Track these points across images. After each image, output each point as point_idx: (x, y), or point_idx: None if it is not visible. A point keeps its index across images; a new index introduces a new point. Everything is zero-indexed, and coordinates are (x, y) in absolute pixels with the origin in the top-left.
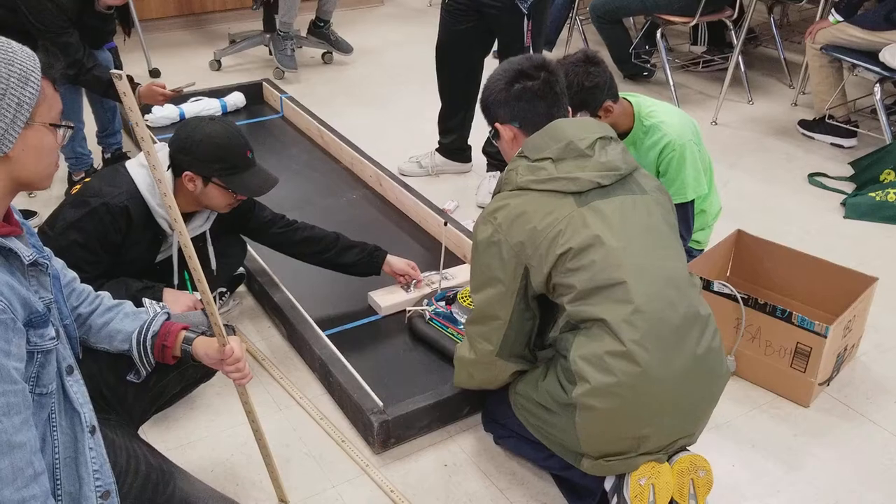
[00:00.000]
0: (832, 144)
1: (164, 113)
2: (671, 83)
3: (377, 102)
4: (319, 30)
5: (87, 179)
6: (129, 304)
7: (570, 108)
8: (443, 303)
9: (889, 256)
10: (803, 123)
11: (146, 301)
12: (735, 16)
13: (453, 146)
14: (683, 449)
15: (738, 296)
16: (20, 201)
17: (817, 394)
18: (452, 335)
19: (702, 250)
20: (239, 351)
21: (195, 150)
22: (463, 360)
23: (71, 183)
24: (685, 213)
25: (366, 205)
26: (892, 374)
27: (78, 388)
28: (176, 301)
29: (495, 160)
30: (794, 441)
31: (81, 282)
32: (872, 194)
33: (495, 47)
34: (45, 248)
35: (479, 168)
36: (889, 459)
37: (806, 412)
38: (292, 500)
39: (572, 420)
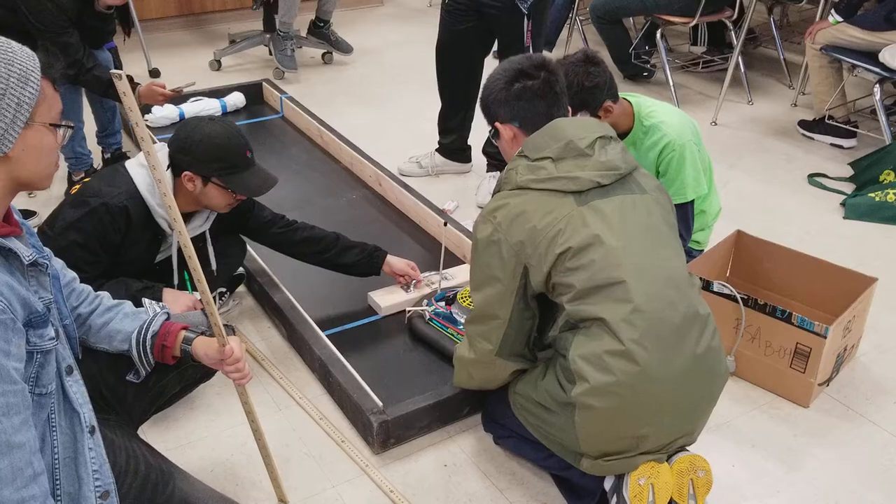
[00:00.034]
0: (832, 145)
1: (164, 113)
2: (671, 83)
3: (377, 102)
4: (319, 30)
5: (87, 179)
6: (128, 304)
7: (569, 108)
8: (442, 303)
9: (888, 257)
10: (803, 124)
11: (146, 301)
12: (735, 16)
13: (453, 146)
14: (683, 449)
15: (738, 296)
16: (20, 201)
17: (817, 394)
18: (452, 335)
19: (701, 251)
20: (239, 351)
21: (194, 149)
22: (462, 360)
23: (71, 183)
24: (685, 214)
25: (365, 205)
26: (892, 375)
27: (77, 389)
28: (175, 301)
29: (495, 160)
30: (793, 441)
31: (81, 282)
32: (872, 195)
33: (495, 47)
34: (44, 248)
35: (479, 168)
36: (889, 460)
37: (806, 412)
38: (292, 500)
39: (571, 419)
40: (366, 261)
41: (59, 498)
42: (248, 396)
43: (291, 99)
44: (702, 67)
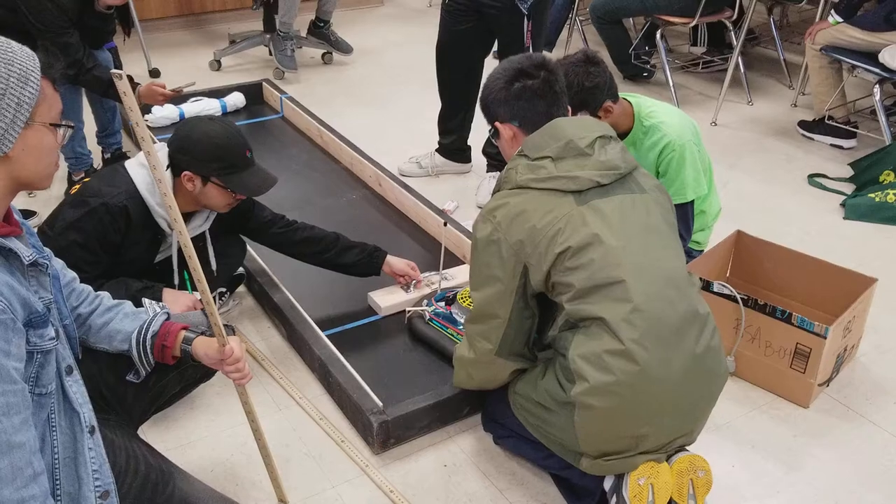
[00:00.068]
0: (832, 145)
1: (164, 113)
2: (671, 84)
3: (377, 103)
4: (319, 30)
5: (87, 179)
6: (128, 304)
7: (569, 108)
8: (442, 303)
9: (888, 257)
10: (803, 124)
11: (146, 301)
12: (735, 17)
13: (453, 146)
14: (682, 449)
15: (738, 296)
16: (20, 201)
17: (817, 394)
18: (452, 335)
19: (701, 251)
20: (239, 351)
21: (194, 149)
22: (462, 360)
23: (71, 183)
24: (685, 214)
25: (365, 205)
26: (892, 375)
27: (77, 389)
28: (175, 301)
29: (495, 161)
30: (793, 442)
31: (81, 282)
32: (872, 195)
33: (495, 48)
34: (44, 248)
35: (479, 168)
36: (889, 460)
37: (806, 413)
38: (292, 500)
39: (571, 419)
40: (366, 261)
41: (58, 498)
42: (248, 396)
43: (291, 99)
44: (702, 68)
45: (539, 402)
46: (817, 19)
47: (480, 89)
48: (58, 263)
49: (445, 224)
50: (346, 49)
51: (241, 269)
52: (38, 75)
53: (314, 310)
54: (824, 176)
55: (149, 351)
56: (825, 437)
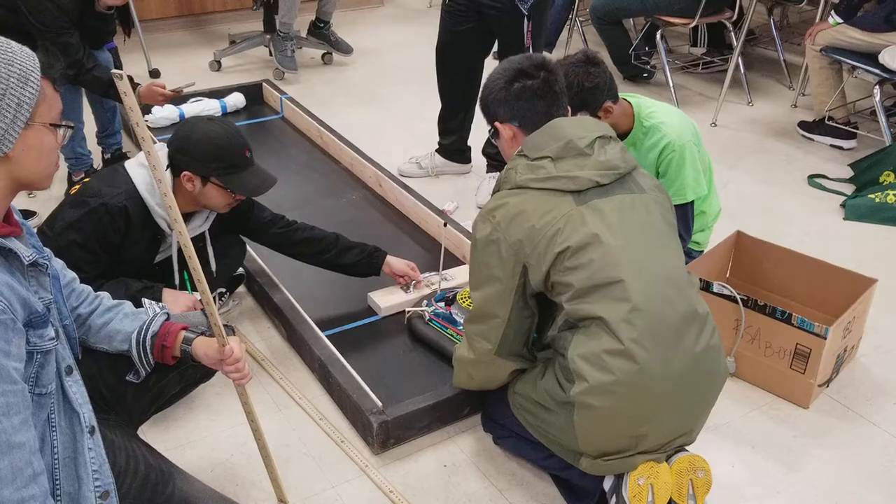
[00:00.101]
0: (832, 146)
1: (164, 113)
2: (671, 84)
3: (377, 103)
4: (319, 30)
5: (87, 180)
6: (128, 305)
7: (569, 108)
8: (442, 303)
9: (888, 258)
10: (803, 125)
11: (146, 301)
12: (735, 17)
13: (453, 147)
14: (682, 449)
15: (738, 297)
16: (20, 201)
17: (817, 395)
18: (452, 336)
19: (701, 251)
20: (238, 351)
21: (193, 149)
22: (462, 360)
23: (71, 183)
24: (685, 214)
25: (365, 205)
26: (892, 376)
27: (77, 389)
28: (175, 301)
29: (495, 161)
30: (793, 442)
31: (81, 282)
32: (872, 196)
33: (495, 48)
34: (44, 248)
35: (479, 169)
36: (889, 461)
37: (805, 413)
38: (292, 500)
39: (570, 419)
40: (366, 261)
41: (58, 498)
42: (248, 396)
43: (291, 99)
44: (702, 68)
45: (539, 402)
46: (817, 20)
47: (480, 90)
48: (58, 263)
49: (445, 224)
50: (346, 49)
51: (241, 270)
52: (38, 75)
53: (314, 310)
54: (824, 177)
55: (149, 351)
56: (825, 437)
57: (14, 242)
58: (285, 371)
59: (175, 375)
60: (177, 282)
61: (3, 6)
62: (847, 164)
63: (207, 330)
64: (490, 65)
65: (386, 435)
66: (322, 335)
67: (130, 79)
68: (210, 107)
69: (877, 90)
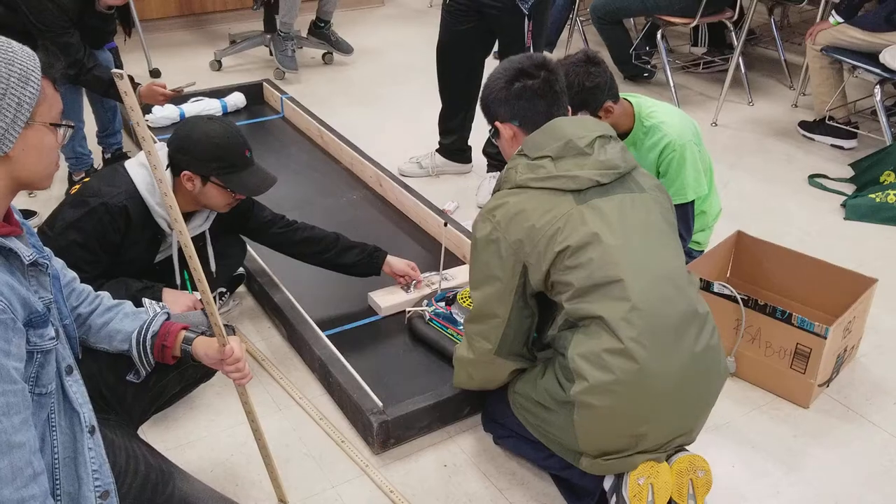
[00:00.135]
0: (832, 146)
1: (165, 113)
2: (671, 84)
3: (377, 103)
4: (320, 30)
5: (87, 179)
6: (128, 304)
7: (569, 108)
8: (442, 303)
9: (889, 258)
10: (803, 125)
11: (146, 301)
12: (735, 17)
13: (454, 147)
14: (682, 448)
15: (738, 297)
16: (20, 201)
17: (817, 395)
18: (452, 336)
19: (702, 251)
20: (239, 351)
21: (193, 149)
22: (462, 360)
23: (71, 183)
24: (685, 214)
25: (366, 205)
26: (892, 376)
27: (77, 388)
28: (175, 301)
29: (495, 161)
30: (793, 442)
31: (81, 282)
32: (872, 196)
33: (496, 48)
34: (44, 248)
35: (480, 169)
36: (889, 461)
37: (806, 413)
38: (292, 500)
39: (571, 418)
40: (366, 261)
41: (58, 498)
42: (248, 396)
43: (292, 99)
44: (702, 68)
45: (539, 402)
46: (818, 20)
47: (481, 89)
48: (58, 263)
49: (446, 224)
50: (346, 49)
51: (241, 269)
52: (38, 75)
53: (314, 310)
54: (825, 176)
55: (149, 351)
56: (825, 437)
57: (14, 242)
58: (285, 371)
59: (175, 375)
60: (178, 281)
61: (3, 5)
62: (847, 163)
63: (208, 330)
64: (491, 64)
65: (386, 435)
66: (322, 335)
67: (131, 78)
68: (210, 106)
69: (877, 90)
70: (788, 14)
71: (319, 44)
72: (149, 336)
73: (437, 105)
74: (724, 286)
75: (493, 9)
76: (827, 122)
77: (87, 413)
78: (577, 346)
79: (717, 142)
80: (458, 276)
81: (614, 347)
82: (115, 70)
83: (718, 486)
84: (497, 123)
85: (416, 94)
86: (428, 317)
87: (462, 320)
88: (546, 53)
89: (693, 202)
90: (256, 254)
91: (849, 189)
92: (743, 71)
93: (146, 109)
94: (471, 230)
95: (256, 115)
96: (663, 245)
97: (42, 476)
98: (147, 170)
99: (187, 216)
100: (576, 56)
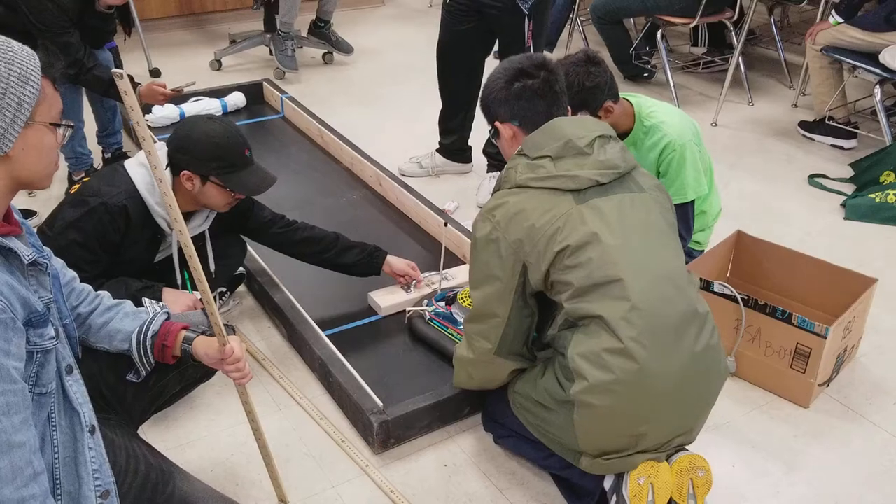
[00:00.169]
0: (832, 146)
1: (165, 113)
2: (671, 84)
3: (377, 102)
4: (320, 30)
5: (87, 179)
6: (128, 304)
7: (569, 108)
8: (443, 303)
9: (889, 258)
10: (803, 125)
11: (146, 301)
12: (735, 17)
13: (454, 146)
14: (682, 448)
15: (738, 297)
16: (20, 201)
17: (817, 395)
18: (452, 335)
19: (702, 251)
20: (239, 351)
21: (193, 148)
22: (462, 360)
23: (71, 183)
24: (685, 214)
25: (366, 205)
26: (892, 376)
27: (77, 388)
28: (176, 301)
29: (495, 161)
30: (793, 442)
31: (81, 281)
32: (872, 195)
33: (496, 48)
34: (44, 247)
35: (480, 168)
36: (889, 460)
37: (806, 413)
38: (292, 499)
39: (570, 418)
40: (366, 261)
41: (59, 497)
42: (248, 396)
43: (292, 99)
44: (702, 68)
45: (539, 402)
46: (818, 20)
47: (481, 89)
48: (57, 263)
49: (446, 224)
50: (346, 49)
51: (241, 269)
52: (38, 75)
53: (314, 310)
54: (825, 176)
55: (149, 350)
56: (825, 437)
57: (14, 241)
58: (286, 371)
59: (175, 375)
60: (178, 281)
61: (3, 5)
62: (847, 163)
63: (208, 329)
64: (491, 64)
65: (386, 435)
66: (322, 335)
67: (131, 78)
68: (210, 106)
69: (877, 90)
70: (788, 14)
71: (319, 43)
72: (149, 336)
73: (437, 105)
74: (724, 286)
75: (494, 9)
76: (827, 122)
77: (87, 413)
78: (576, 345)
79: (717, 142)
80: (458, 275)
81: (614, 347)
82: (115, 70)
83: (718, 485)
84: (497, 123)
85: (416, 93)
86: (428, 316)
87: (462, 320)
88: (546, 53)
89: (693, 202)
90: (256, 254)
91: (849, 189)
92: (743, 71)
93: (146, 109)
94: (471, 230)
95: (256, 115)
96: (663, 245)
97: (42, 476)
98: (147, 169)
99: (187, 216)
100: (576, 56)
